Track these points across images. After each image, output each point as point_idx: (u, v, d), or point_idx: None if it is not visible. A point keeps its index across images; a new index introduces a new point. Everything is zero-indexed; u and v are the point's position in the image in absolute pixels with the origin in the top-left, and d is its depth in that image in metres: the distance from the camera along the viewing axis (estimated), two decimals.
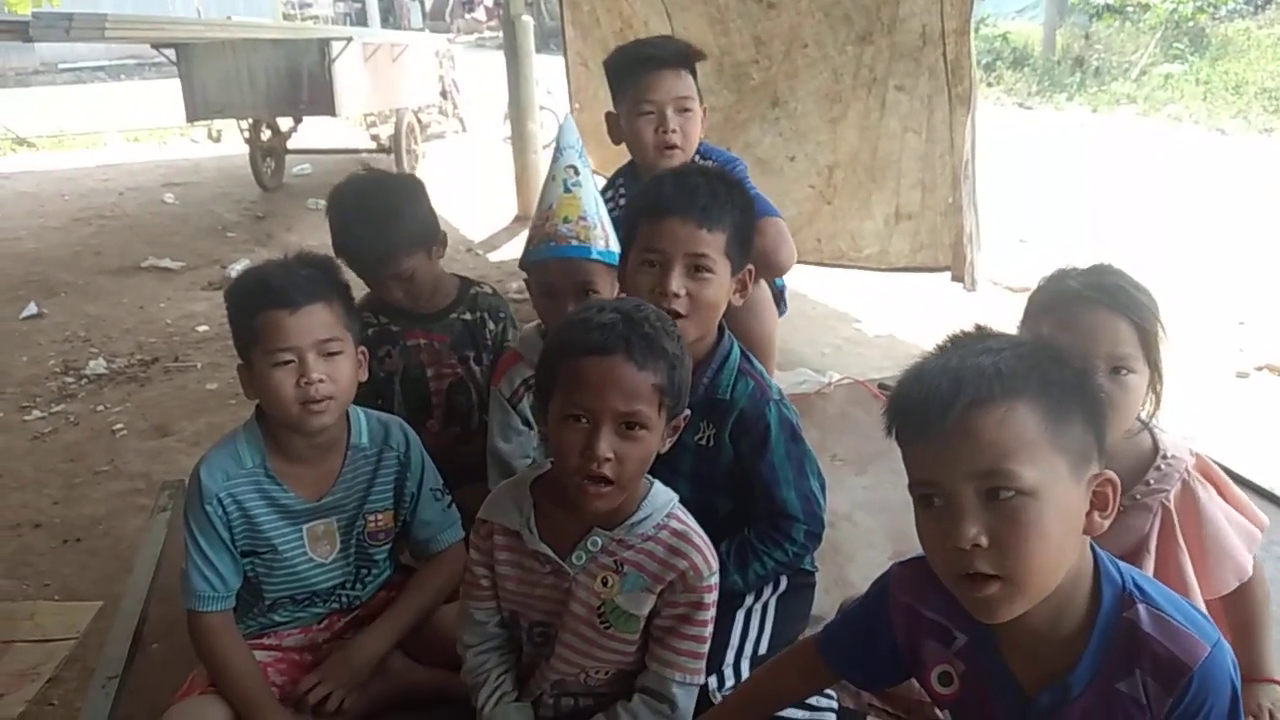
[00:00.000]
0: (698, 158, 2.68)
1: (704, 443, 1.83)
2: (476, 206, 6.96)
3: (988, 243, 3.84)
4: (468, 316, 2.35)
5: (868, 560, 2.30)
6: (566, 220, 1.92)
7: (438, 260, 2.32)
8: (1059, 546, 1.11)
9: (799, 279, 4.56)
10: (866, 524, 2.46)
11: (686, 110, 2.59)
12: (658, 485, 1.52)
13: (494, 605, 1.58)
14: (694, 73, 2.66)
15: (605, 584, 1.47)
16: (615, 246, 1.97)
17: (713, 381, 1.82)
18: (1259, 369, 3.87)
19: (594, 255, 1.92)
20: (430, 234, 2.30)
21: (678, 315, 1.73)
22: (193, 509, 1.73)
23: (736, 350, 1.88)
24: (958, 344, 1.18)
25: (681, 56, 2.64)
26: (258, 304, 1.69)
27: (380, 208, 2.24)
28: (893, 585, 1.33)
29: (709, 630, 1.52)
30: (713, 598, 1.50)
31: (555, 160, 1.96)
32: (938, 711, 1.34)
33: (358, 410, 1.86)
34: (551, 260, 1.94)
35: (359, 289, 2.08)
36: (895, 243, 4.02)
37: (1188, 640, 1.13)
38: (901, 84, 3.73)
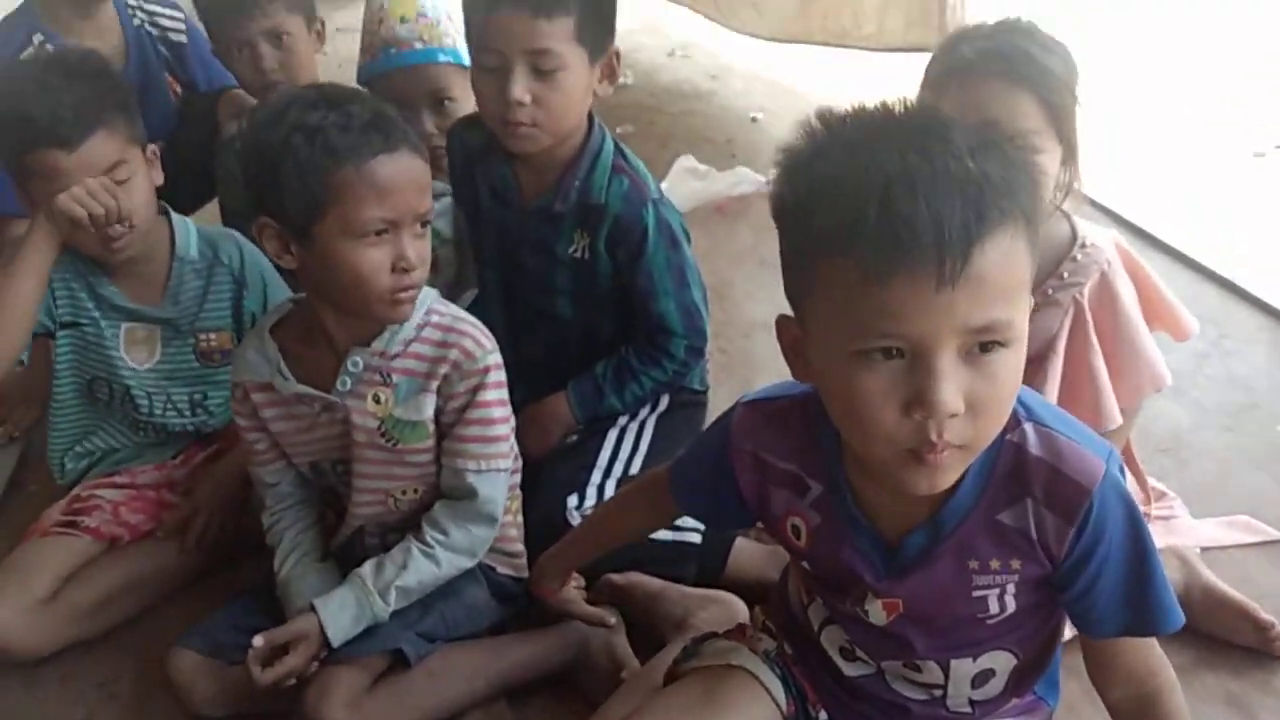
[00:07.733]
0: None
1: (579, 255, 1.66)
2: None
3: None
4: None
5: (781, 371, 2.13)
6: (404, 20, 1.70)
7: (314, 51, 2.06)
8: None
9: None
10: None
11: None
12: None
13: (280, 464, 1.50)
14: None
15: (378, 401, 1.39)
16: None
17: (585, 183, 1.62)
18: (1278, 147, 3.51)
19: (441, 59, 1.72)
20: (311, 6, 2.05)
21: (525, 125, 1.52)
22: None
23: (610, 144, 1.65)
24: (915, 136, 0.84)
25: None
26: (26, 142, 1.51)
27: None
28: (735, 431, 1.12)
29: (499, 413, 1.43)
30: (495, 378, 1.41)
31: None
32: (803, 564, 1.16)
33: (186, 222, 1.73)
34: (394, 71, 1.72)
35: None
36: (890, 19, 3.83)
37: (1080, 459, 0.95)
38: None
